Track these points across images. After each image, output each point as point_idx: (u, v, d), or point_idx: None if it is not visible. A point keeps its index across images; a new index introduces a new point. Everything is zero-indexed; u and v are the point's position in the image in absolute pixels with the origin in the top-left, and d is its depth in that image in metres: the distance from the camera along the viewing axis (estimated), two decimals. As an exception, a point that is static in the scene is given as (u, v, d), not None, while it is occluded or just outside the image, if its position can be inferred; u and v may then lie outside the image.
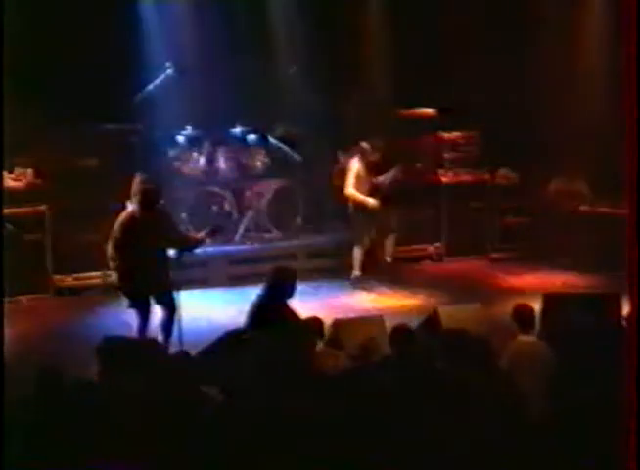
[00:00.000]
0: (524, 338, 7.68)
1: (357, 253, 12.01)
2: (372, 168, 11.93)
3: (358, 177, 11.86)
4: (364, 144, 11.94)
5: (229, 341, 7.99)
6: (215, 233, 10.72)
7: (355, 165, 11.92)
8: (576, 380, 6.92)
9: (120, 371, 6.88)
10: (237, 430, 6.24)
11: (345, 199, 12.00)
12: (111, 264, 9.60)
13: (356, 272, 12.01)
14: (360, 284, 11.96)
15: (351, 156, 12.22)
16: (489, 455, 6.25)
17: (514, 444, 6.35)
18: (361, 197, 11.81)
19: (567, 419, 6.49)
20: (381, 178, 11.91)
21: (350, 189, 11.86)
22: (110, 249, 9.40)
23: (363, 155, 11.91)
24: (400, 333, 7.47)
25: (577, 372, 7.03)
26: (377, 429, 6.30)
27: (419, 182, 13.08)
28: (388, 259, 12.17)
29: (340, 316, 9.53)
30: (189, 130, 13.02)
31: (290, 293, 8.55)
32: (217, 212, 12.71)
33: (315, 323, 8.34)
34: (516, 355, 7.49)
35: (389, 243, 12.15)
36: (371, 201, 11.79)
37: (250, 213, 12.87)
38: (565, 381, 6.89)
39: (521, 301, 8.20)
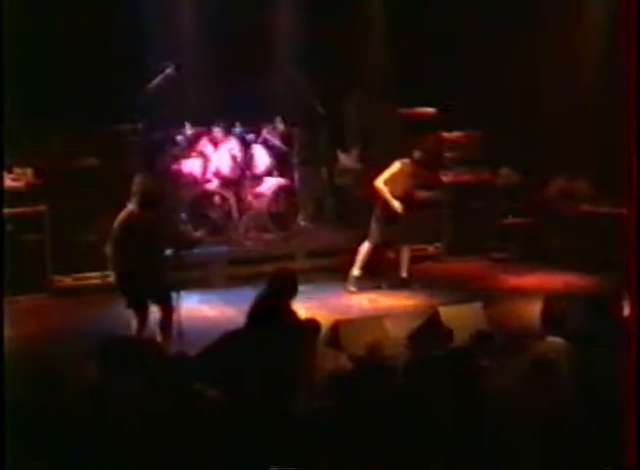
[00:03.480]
0: (550, 339, 7.59)
1: (365, 249, 11.83)
2: (415, 178, 11.80)
3: (394, 177, 11.70)
4: (417, 153, 11.77)
5: (228, 341, 7.98)
6: (216, 230, 10.74)
7: (397, 166, 11.75)
8: (576, 380, 6.91)
9: (120, 372, 6.87)
10: (236, 430, 6.23)
11: (370, 194, 11.81)
12: (110, 265, 9.59)
13: (355, 272, 11.87)
14: (358, 285, 11.88)
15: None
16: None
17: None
18: (388, 196, 11.61)
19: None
20: (422, 193, 11.84)
21: (380, 183, 11.67)
22: (109, 250, 9.38)
23: (413, 162, 11.76)
24: None
25: (578, 373, 7.02)
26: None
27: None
28: (404, 275, 11.97)
29: (340, 317, 9.53)
30: (189, 130, 13.01)
31: (290, 295, 8.52)
32: (217, 212, 12.69)
33: (312, 324, 8.33)
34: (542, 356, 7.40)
35: (405, 258, 11.97)
36: (396, 204, 11.63)
37: (249, 213, 12.85)
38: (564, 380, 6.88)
39: (545, 299, 8.11)
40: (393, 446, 6.22)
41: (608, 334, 7.62)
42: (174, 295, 9.24)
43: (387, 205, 11.66)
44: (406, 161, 11.79)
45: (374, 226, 11.84)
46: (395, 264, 12.09)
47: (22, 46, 11.46)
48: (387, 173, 11.73)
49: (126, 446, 6.08)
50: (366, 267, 11.91)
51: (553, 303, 8.64)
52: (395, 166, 11.77)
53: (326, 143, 13.49)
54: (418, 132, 13.49)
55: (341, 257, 12.37)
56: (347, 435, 6.21)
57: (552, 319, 7.74)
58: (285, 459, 6.13)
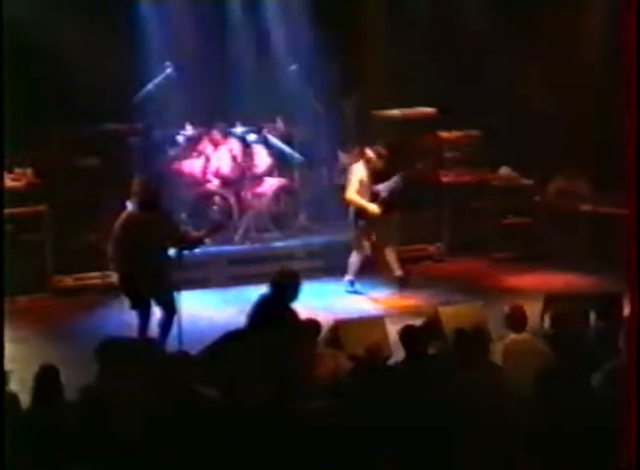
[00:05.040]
0: (516, 336, 7.73)
1: (354, 259, 11.81)
2: (375, 175, 11.71)
3: (361, 183, 11.61)
4: (369, 150, 11.73)
5: (229, 341, 7.99)
6: (216, 230, 10.76)
7: (359, 171, 11.67)
8: (577, 380, 6.92)
9: (120, 372, 6.88)
10: (236, 430, 6.23)
11: (347, 203, 11.77)
12: (111, 265, 9.61)
13: (349, 277, 11.84)
14: (355, 286, 11.88)
15: (353, 160, 12.10)
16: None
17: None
18: (362, 202, 11.56)
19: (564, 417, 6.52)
20: (380, 187, 11.67)
21: (352, 194, 11.62)
22: (110, 250, 9.40)
23: (368, 161, 11.73)
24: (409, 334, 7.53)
25: (578, 372, 7.03)
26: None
27: (421, 184, 12.96)
28: (399, 273, 11.88)
29: (340, 317, 9.52)
30: (189, 130, 13.02)
31: (292, 295, 8.52)
32: (217, 212, 12.69)
33: (312, 325, 8.34)
34: (509, 353, 7.54)
35: (392, 257, 11.87)
36: (372, 207, 11.58)
37: (250, 213, 12.85)
38: (565, 381, 6.89)
39: (513, 303, 8.23)
40: (393, 445, 6.22)
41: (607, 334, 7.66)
42: (175, 295, 9.25)
43: (361, 211, 11.61)
44: (359, 163, 11.74)
45: (356, 236, 11.80)
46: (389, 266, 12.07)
47: (23, 46, 11.43)
48: (354, 181, 11.64)
49: (126, 446, 6.08)
50: (359, 273, 11.91)
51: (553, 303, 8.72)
52: (358, 171, 11.70)
53: (326, 143, 13.47)
54: (418, 132, 13.50)
55: (340, 257, 12.36)
56: (347, 435, 6.22)
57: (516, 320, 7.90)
58: (285, 459, 6.13)
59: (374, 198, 11.66)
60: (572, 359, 7.26)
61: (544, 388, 6.77)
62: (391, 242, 11.95)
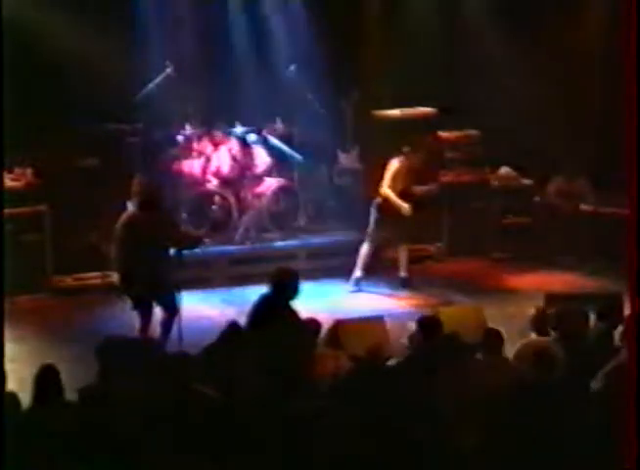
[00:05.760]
0: (538, 338, 7.75)
1: (366, 249, 11.85)
2: (410, 174, 11.82)
3: (394, 179, 11.71)
4: (406, 149, 11.80)
5: (229, 341, 7.99)
6: (216, 230, 10.77)
7: (394, 167, 11.77)
8: (577, 379, 6.94)
9: (120, 372, 6.88)
10: (236, 429, 6.24)
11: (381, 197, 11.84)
12: (114, 266, 9.60)
13: (358, 273, 11.88)
14: (360, 285, 11.90)
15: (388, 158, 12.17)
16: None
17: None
18: (396, 198, 11.64)
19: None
20: (419, 189, 11.83)
21: (387, 189, 11.68)
22: (114, 251, 9.41)
23: (405, 159, 11.81)
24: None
25: (578, 372, 7.04)
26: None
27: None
28: (404, 274, 11.99)
29: (340, 317, 9.52)
30: (189, 130, 13.01)
31: (292, 294, 8.52)
32: (217, 213, 12.69)
33: (312, 324, 8.34)
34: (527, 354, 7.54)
35: (404, 257, 12.00)
36: (405, 206, 11.63)
37: (250, 213, 12.85)
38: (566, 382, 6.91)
39: (538, 305, 8.27)
40: (393, 445, 6.23)
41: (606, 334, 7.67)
42: (176, 296, 9.25)
43: (387, 206, 11.67)
44: (401, 158, 11.82)
45: (373, 227, 11.85)
46: (395, 264, 12.10)
47: (23, 46, 11.42)
48: (388, 176, 11.75)
49: (126, 446, 6.09)
50: (368, 268, 11.94)
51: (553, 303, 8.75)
52: (393, 166, 11.79)
53: (326, 143, 13.47)
54: (418, 132, 13.49)
55: (341, 257, 12.37)
56: (347, 435, 6.22)
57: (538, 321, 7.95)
58: (284, 458, 6.14)
59: (403, 196, 11.69)
60: (573, 360, 7.27)
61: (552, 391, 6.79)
62: (406, 241, 12.03)
